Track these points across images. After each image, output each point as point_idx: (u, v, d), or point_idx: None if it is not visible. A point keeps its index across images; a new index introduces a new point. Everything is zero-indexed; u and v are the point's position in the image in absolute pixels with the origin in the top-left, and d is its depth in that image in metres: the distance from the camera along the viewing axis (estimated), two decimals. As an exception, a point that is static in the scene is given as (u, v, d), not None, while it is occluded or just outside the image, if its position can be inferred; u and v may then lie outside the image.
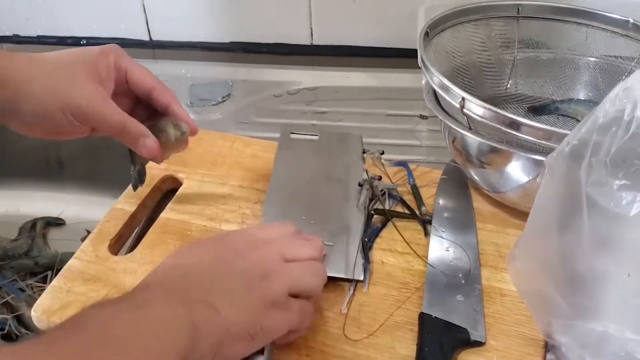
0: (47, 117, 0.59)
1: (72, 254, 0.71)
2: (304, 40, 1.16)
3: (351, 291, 0.64)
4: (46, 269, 1.10)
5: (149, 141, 0.62)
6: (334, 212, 0.72)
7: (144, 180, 0.72)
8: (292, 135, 0.86)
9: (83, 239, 0.72)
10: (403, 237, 0.70)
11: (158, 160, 0.66)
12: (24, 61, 0.59)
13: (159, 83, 0.66)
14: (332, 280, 0.64)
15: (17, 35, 1.27)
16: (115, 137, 0.63)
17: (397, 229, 0.71)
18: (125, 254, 0.72)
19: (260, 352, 0.52)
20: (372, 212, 0.72)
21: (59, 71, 0.60)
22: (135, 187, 0.73)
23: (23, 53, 0.60)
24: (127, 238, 0.75)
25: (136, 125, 0.62)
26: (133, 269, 0.67)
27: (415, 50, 0.75)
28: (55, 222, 1.19)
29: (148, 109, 0.67)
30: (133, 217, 0.75)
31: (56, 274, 0.68)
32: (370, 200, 0.74)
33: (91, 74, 0.60)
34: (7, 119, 0.61)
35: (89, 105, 0.59)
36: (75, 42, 1.25)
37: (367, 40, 1.14)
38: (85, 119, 0.60)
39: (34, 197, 1.22)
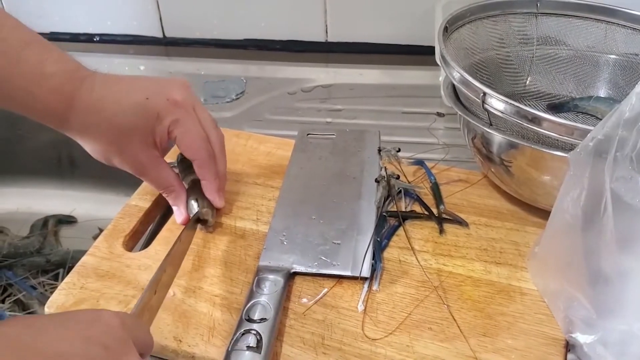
0: (98, 158, 0.63)
1: (84, 251, 0.70)
2: (318, 37, 1.15)
3: (365, 289, 0.63)
4: (58, 267, 1.09)
5: (178, 214, 0.70)
6: (345, 210, 0.72)
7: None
8: (309, 135, 0.86)
9: (95, 237, 0.73)
10: (410, 244, 0.69)
11: None
12: (85, 103, 0.60)
13: (204, 155, 0.67)
14: (347, 278, 0.64)
15: (30, 32, 1.26)
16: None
17: (405, 233, 0.70)
18: (140, 250, 0.72)
19: None
20: (385, 214, 0.72)
21: (115, 132, 0.61)
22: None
23: (100, 78, 0.61)
24: (142, 234, 0.75)
25: (175, 193, 0.68)
26: (147, 265, 0.67)
27: (431, 47, 0.74)
28: (67, 220, 1.19)
29: None
30: (147, 213, 0.75)
31: (68, 272, 0.68)
32: (386, 199, 0.73)
33: (146, 140, 0.62)
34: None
35: (139, 171, 0.64)
36: (88, 38, 1.25)
37: (382, 37, 1.13)
38: (135, 174, 0.65)
39: (45, 194, 1.22)
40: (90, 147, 0.62)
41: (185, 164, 0.70)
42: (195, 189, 0.70)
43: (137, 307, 0.53)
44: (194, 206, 0.69)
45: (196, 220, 0.69)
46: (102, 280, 0.66)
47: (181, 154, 0.69)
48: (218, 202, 0.70)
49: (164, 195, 0.69)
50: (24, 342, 0.39)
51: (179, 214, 0.69)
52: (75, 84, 0.59)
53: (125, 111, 0.61)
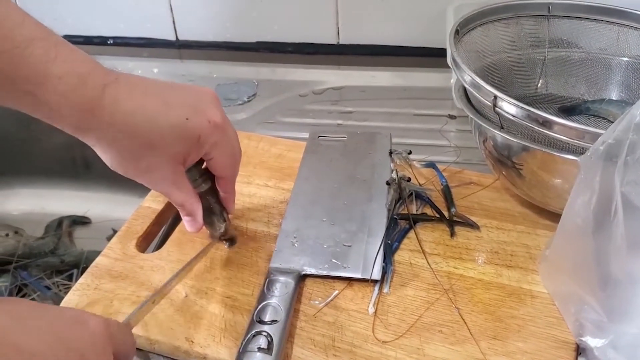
0: (116, 169, 0.58)
1: (98, 252, 0.71)
2: (330, 39, 1.16)
3: (376, 291, 0.63)
4: (72, 267, 1.10)
5: (194, 223, 0.65)
6: (356, 213, 0.72)
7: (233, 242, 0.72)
8: (320, 138, 0.86)
9: (109, 238, 0.73)
10: (421, 246, 0.70)
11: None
12: (110, 116, 0.54)
13: (231, 173, 0.66)
14: (358, 280, 0.64)
15: (44, 34, 1.27)
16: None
17: (416, 236, 0.70)
18: (153, 251, 0.72)
19: None
20: (396, 216, 0.72)
21: (147, 151, 0.57)
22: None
23: (125, 87, 0.56)
24: (155, 236, 0.75)
25: (193, 207, 0.64)
26: (160, 266, 0.68)
27: (443, 50, 0.74)
28: (81, 221, 1.20)
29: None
30: (160, 215, 0.76)
31: (82, 272, 0.69)
32: (397, 201, 0.73)
33: (178, 159, 0.59)
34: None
35: (160, 186, 0.61)
36: (102, 41, 1.25)
37: (393, 39, 1.13)
38: (151, 187, 0.62)
39: (60, 195, 1.23)
40: (110, 159, 0.58)
41: (194, 173, 0.66)
42: (210, 200, 0.67)
43: (133, 315, 0.53)
44: (221, 223, 0.68)
45: (223, 238, 0.69)
46: (115, 281, 0.66)
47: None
48: (234, 212, 0.70)
49: (178, 208, 0.65)
50: (8, 337, 0.39)
51: (193, 223, 0.66)
52: (94, 92, 0.53)
53: (162, 132, 0.56)
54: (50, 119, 0.54)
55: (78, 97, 0.52)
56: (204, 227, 0.66)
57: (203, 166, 0.65)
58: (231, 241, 0.70)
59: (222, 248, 0.70)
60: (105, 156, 0.57)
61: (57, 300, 1.02)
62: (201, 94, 0.61)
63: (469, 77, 0.68)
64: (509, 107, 0.63)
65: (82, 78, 0.53)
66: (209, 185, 0.66)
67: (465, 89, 0.73)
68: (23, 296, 1.05)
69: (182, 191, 0.62)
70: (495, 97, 0.63)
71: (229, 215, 0.68)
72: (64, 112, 0.53)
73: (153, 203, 0.77)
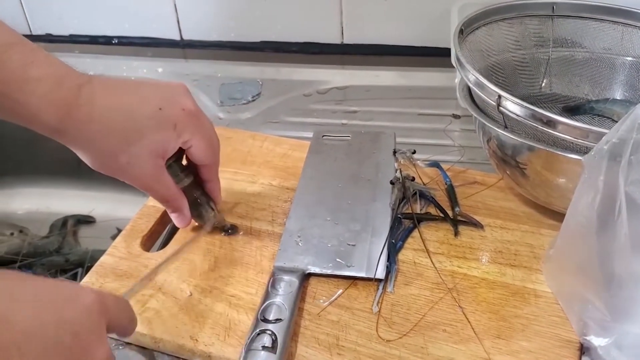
0: (97, 168, 0.60)
1: (103, 251, 0.71)
2: (334, 39, 1.16)
3: (380, 290, 0.63)
4: (77, 266, 1.11)
5: (181, 218, 0.67)
6: (359, 212, 0.73)
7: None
8: (325, 137, 0.86)
9: (113, 237, 0.73)
10: (425, 246, 0.70)
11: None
12: (86, 115, 0.56)
13: (212, 160, 0.67)
14: (362, 279, 0.65)
15: (49, 34, 1.28)
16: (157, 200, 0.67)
17: (420, 235, 0.70)
18: (157, 250, 0.72)
19: None
20: (400, 216, 0.72)
21: (125, 145, 0.58)
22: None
23: (99, 86, 0.57)
24: (159, 235, 0.76)
25: (177, 202, 0.65)
26: (165, 265, 0.68)
27: (447, 49, 0.74)
28: (86, 220, 1.20)
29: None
30: (165, 214, 0.76)
31: (86, 272, 0.69)
32: (401, 200, 0.73)
33: (157, 151, 0.60)
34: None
35: (141, 182, 0.62)
36: (106, 41, 1.26)
37: (397, 39, 1.13)
38: (132, 184, 0.62)
39: (65, 195, 1.24)
40: (90, 158, 0.59)
41: (175, 169, 0.66)
42: (195, 193, 0.68)
43: (131, 292, 0.55)
44: (210, 213, 0.69)
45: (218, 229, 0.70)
46: (120, 279, 0.67)
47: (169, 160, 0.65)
48: (221, 201, 0.71)
49: (163, 204, 0.67)
50: None
51: (181, 218, 0.67)
52: (70, 92, 0.55)
53: (138, 124, 0.58)
54: (30, 122, 0.55)
55: (55, 98, 0.54)
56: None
57: (184, 162, 0.66)
58: (231, 229, 0.71)
59: (226, 247, 0.70)
60: (86, 156, 0.59)
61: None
62: (172, 86, 0.63)
63: (473, 76, 0.68)
64: (513, 106, 0.63)
65: (58, 80, 0.55)
66: (192, 179, 0.67)
67: (469, 89, 0.73)
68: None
69: (164, 186, 0.63)
70: (500, 96, 0.63)
71: (217, 206, 0.70)
72: (42, 114, 0.54)
73: (157, 202, 0.77)
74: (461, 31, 0.75)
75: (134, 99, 0.59)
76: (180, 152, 0.64)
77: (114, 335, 0.61)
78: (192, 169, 0.67)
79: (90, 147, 0.58)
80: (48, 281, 0.45)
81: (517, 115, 0.62)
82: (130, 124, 0.58)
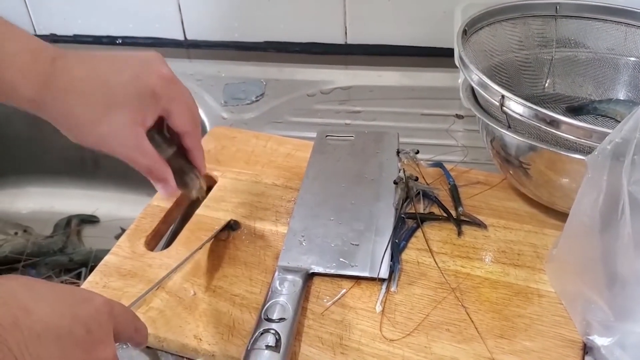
0: (78, 141, 0.59)
1: (106, 251, 0.71)
2: (337, 39, 1.16)
3: (383, 290, 0.64)
4: (80, 266, 1.11)
5: (167, 188, 0.64)
6: (363, 212, 0.73)
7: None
8: (328, 137, 0.86)
9: (117, 237, 0.73)
10: (428, 245, 0.70)
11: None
12: (64, 84, 0.56)
13: (193, 128, 0.65)
14: (365, 279, 0.65)
15: (54, 34, 1.28)
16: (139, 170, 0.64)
17: (424, 235, 0.70)
18: (161, 250, 0.73)
19: None
20: (403, 215, 0.72)
21: (102, 113, 0.58)
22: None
23: (74, 58, 0.58)
24: (163, 234, 0.76)
25: (161, 171, 0.63)
26: (169, 264, 0.68)
27: (450, 49, 0.75)
28: (90, 220, 1.20)
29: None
30: (169, 214, 0.76)
31: (90, 271, 0.69)
32: (404, 200, 0.74)
33: (135, 119, 0.59)
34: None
35: (123, 152, 0.60)
36: (110, 41, 1.26)
37: (401, 39, 1.13)
38: (115, 155, 0.60)
39: (69, 194, 1.24)
40: (69, 129, 0.58)
41: (158, 140, 0.65)
42: (179, 163, 0.66)
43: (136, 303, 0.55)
44: (195, 181, 0.67)
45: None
46: (124, 279, 0.67)
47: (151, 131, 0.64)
48: (205, 168, 0.68)
49: (147, 175, 0.64)
50: (19, 301, 0.41)
51: (167, 187, 0.64)
52: (46, 65, 0.56)
53: (116, 92, 0.58)
54: (8, 97, 0.56)
55: (32, 71, 0.55)
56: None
57: (166, 133, 0.65)
58: (234, 225, 0.72)
59: (230, 246, 0.70)
60: (65, 127, 0.58)
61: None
62: (147, 55, 0.62)
63: (476, 76, 0.68)
64: (516, 106, 0.63)
65: (34, 54, 0.56)
66: (174, 149, 0.65)
67: (472, 89, 0.73)
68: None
69: (147, 156, 0.61)
70: (503, 96, 0.64)
71: (202, 174, 0.68)
72: (20, 87, 0.55)
73: (162, 202, 0.77)
74: (464, 32, 0.75)
75: (110, 69, 0.59)
76: (161, 123, 0.63)
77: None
78: (175, 140, 0.65)
79: (69, 118, 0.57)
80: (64, 285, 0.47)
81: (521, 115, 0.63)
82: (108, 92, 0.58)
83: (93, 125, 0.58)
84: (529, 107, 0.62)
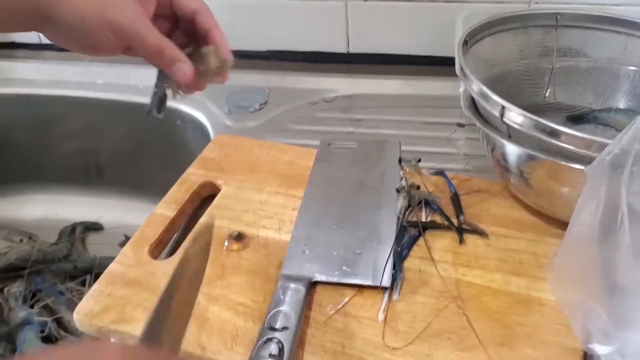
0: (84, 30, 0.56)
1: (111, 258, 0.72)
2: (340, 48, 1.16)
3: (386, 298, 0.64)
4: (85, 273, 1.12)
5: (184, 66, 0.60)
6: (365, 220, 0.73)
7: (162, 111, 0.66)
8: (331, 145, 0.87)
9: (121, 244, 0.74)
10: (430, 254, 0.70)
11: (193, 89, 0.63)
12: None
13: (203, 5, 0.62)
14: (368, 287, 0.65)
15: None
16: (150, 61, 0.60)
17: (426, 243, 0.71)
18: (165, 258, 0.73)
19: None
20: (405, 224, 0.72)
21: None
22: (148, 113, 0.66)
23: None
24: (167, 243, 0.76)
25: (173, 49, 0.59)
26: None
27: (452, 58, 0.75)
28: (94, 227, 1.21)
29: (187, 36, 0.64)
30: (173, 222, 0.77)
31: (95, 278, 0.70)
32: (406, 209, 0.74)
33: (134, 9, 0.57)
34: (41, 27, 0.57)
35: (130, 25, 0.56)
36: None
37: (403, 48, 1.14)
38: (123, 37, 0.57)
39: (73, 202, 1.25)
40: (76, 19, 0.56)
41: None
42: (196, 51, 0.62)
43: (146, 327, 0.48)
44: (213, 55, 0.62)
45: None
46: (128, 287, 0.67)
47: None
48: (227, 46, 0.64)
49: (159, 60, 0.60)
50: None
51: (183, 68, 0.60)
52: None
53: None
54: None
55: None
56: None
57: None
58: (238, 236, 0.71)
59: (233, 255, 0.70)
60: (72, 18, 0.56)
61: (71, 305, 1.03)
62: None
63: (477, 87, 0.68)
64: (516, 117, 0.63)
65: None
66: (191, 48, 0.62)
67: (473, 99, 0.73)
68: (37, 301, 1.06)
69: (154, 33, 0.58)
70: (503, 107, 0.64)
71: (225, 52, 0.63)
72: None
73: (165, 210, 0.78)
74: (465, 42, 0.76)
75: None
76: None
77: (118, 340, 0.62)
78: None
79: (74, 12, 0.55)
80: (66, 350, 0.44)
81: (521, 125, 0.63)
82: None
83: (94, 6, 0.55)
84: (529, 117, 0.62)
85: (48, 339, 1.01)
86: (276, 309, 0.61)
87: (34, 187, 1.26)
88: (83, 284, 1.10)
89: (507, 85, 0.81)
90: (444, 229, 0.73)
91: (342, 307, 0.64)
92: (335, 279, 0.66)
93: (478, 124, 0.71)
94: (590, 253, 0.56)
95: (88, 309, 0.65)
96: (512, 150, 0.67)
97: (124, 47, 0.59)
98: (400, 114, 1.01)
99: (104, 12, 0.55)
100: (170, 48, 0.59)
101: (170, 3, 0.62)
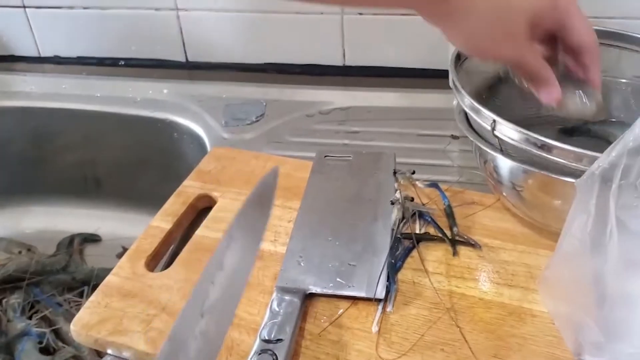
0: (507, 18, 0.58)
1: (108, 269, 0.72)
2: (336, 61, 1.18)
3: (379, 310, 0.65)
4: (83, 284, 1.12)
5: (550, 91, 0.64)
6: (361, 232, 0.74)
7: None
8: (327, 157, 0.87)
9: (119, 255, 0.74)
10: (424, 265, 0.71)
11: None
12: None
13: (593, 43, 0.63)
14: (362, 299, 0.66)
15: (57, 56, 1.30)
16: (517, 71, 0.65)
17: (419, 255, 0.71)
18: (161, 270, 0.74)
19: None
20: (399, 236, 0.73)
21: (502, 37, 0.59)
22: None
23: None
24: (163, 255, 0.77)
25: (546, 71, 0.63)
26: (169, 285, 0.69)
27: (446, 71, 0.76)
28: (92, 239, 1.22)
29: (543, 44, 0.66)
30: (169, 234, 0.77)
31: (92, 289, 0.70)
32: (401, 220, 0.75)
33: (528, 18, 0.58)
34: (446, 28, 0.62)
35: (511, 52, 0.60)
36: (113, 62, 1.28)
37: (398, 61, 1.15)
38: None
39: (71, 213, 1.26)
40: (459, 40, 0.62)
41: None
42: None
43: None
44: (577, 99, 0.66)
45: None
46: (125, 299, 0.68)
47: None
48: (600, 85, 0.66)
49: (530, 78, 0.65)
50: None
51: (551, 90, 0.64)
52: None
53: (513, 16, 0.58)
54: None
55: None
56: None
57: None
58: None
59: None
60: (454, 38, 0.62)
61: (69, 316, 1.04)
62: None
63: (468, 101, 0.69)
64: (507, 130, 0.64)
65: None
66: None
67: (465, 112, 0.74)
68: (35, 313, 1.07)
69: (535, 55, 0.61)
70: (494, 121, 0.65)
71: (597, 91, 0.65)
72: None
73: (162, 222, 0.78)
74: (458, 56, 0.77)
75: None
76: None
77: (115, 352, 0.63)
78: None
79: (468, 36, 0.61)
80: None
81: (512, 139, 0.64)
82: (507, 18, 0.58)
83: (493, 46, 0.59)
84: (519, 131, 0.63)
85: (46, 350, 1.01)
86: (271, 321, 0.62)
87: (33, 199, 1.27)
88: (81, 295, 1.11)
89: (501, 98, 0.82)
90: (437, 241, 0.73)
91: (336, 319, 0.64)
92: (330, 291, 0.66)
93: (470, 137, 0.72)
94: (581, 265, 0.56)
95: (85, 321, 0.66)
96: (504, 164, 0.68)
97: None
98: (396, 126, 1.02)
99: (498, 46, 0.60)
100: (544, 68, 0.63)
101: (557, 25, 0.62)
